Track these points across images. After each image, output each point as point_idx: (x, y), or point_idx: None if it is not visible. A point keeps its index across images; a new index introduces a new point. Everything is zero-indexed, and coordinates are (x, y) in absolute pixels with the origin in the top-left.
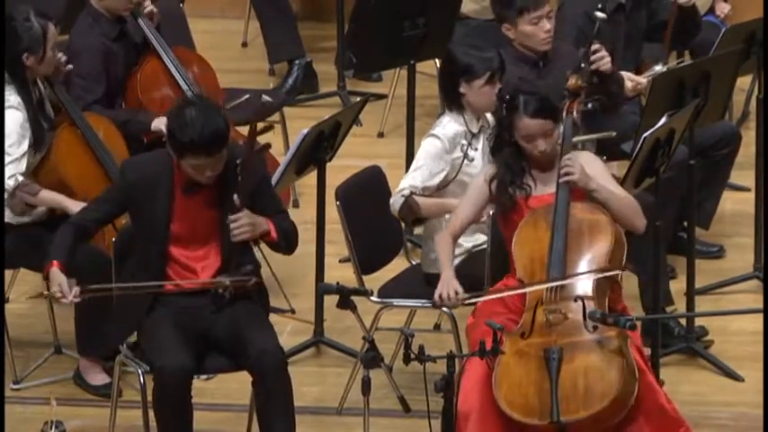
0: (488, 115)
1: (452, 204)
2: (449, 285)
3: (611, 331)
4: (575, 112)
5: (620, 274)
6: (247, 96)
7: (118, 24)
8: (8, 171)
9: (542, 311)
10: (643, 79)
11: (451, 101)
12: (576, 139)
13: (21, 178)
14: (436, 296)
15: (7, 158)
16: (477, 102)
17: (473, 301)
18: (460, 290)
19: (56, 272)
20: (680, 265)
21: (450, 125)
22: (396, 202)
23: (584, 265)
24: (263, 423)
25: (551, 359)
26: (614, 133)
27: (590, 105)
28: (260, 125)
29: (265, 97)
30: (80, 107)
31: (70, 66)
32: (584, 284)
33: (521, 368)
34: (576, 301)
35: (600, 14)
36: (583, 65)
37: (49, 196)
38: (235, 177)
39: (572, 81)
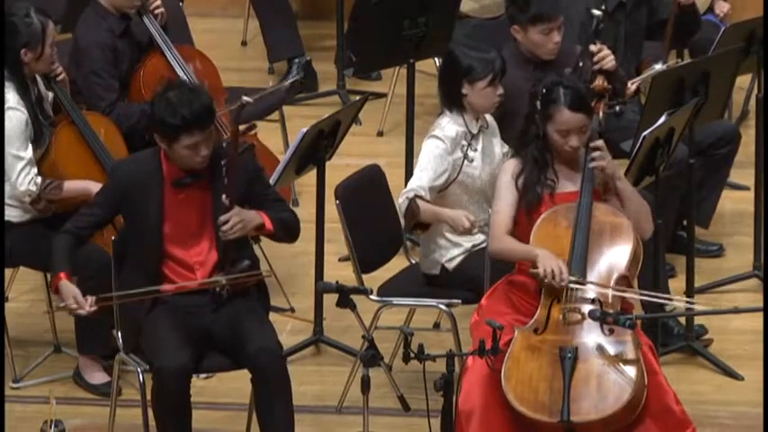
0: (488, 116)
1: (446, 214)
2: (556, 263)
3: (627, 335)
4: (600, 113)
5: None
6: (244, 101)
7: (124, 21)
8: (26, 176)
9: (559, 309)
10: (632, 85)
11: (452, 101)
12: None
13: (39, 180)
14: (541, 270)
15: (20, 163)
16: (479, 103)
17: (575, 286)
18: (566, 271)
19: (66, 284)
20: (679, 263)
21: (449, 126)
22: (403, 204)
23: (604, 267)
24: (262, 421)
25: (566, 358)
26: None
27: (617, 108)
28: (241, 126)
29: (245, 98)
30: (102, 109)
31: (63, 75)
32: (603, 287)
33: (532, 363)
34: (593, 302)
35: (596, 12)
36: (581, 63)
37: (73, 186)
38: (221, 178)
39: (598, 82)
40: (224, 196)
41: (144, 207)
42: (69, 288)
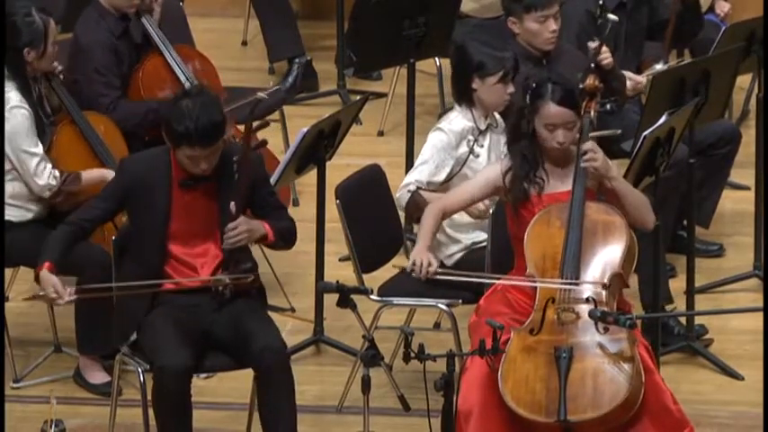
0: (497, 114)
1: None
2: (426, 257)
3: (622, 333)
4: (592, 112)
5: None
6: (245, 101)
7: (123, 22)
8: (44, 171)
9: (553, 309)
10: (642, 78)
11: (462, 95)
12: None
13: (57, 173)
14: (410, 263)
15: (35, 159)
16: (488, 99)
17: (444, 277)
18: (435, 263)
19: (46, 274)
20: (680, 263)
21: (457, 120)
22: (402, 197)
23: (598, 266)
24: (265, 419)
25: (561, 358)
26: (620, 131)
27: (608, 106)
28: (255, 122)
29: (260, 94)
30: (106, 106)
31: (60, 67)
32: (596, 285)
33: (529, 364)
34: (587, 301)
35: (612, 17)
36: (592, 64)
37: (90, 176)
38: (231, 175)
39: (589, 81)
40: (231, 204)
41: (150, 206)
42: (49, 278)
